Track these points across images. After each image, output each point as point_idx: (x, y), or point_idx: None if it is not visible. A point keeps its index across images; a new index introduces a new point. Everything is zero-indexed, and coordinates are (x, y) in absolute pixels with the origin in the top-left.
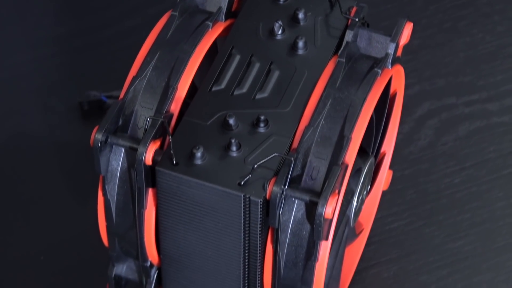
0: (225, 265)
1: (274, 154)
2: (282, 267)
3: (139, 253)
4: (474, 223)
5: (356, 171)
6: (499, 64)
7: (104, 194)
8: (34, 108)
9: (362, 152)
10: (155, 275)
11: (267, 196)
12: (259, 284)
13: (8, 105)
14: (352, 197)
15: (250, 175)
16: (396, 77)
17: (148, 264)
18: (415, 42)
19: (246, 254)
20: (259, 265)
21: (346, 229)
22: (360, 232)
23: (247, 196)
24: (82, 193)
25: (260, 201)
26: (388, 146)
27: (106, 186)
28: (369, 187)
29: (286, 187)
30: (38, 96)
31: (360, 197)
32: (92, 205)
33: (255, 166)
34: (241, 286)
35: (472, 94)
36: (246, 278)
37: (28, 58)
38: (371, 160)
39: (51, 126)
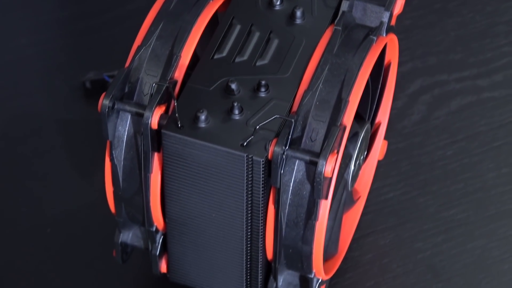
0: (228, 226)
1: (275, 116)
2: (283, 227)
3: (145, 218)
4: (466, 193)
5: (353, 136)
6: (488, 42)
7: (111, 160)
8: (39, 88)
9: (359, 118)
10: (161, 240)
11: (269, 156)
12: (261, 245)
13: (14, 85)
14: (349, 161)
15: (253, 137)
16: (390, 47)
17: (154, 229)
18: (407, 22)
19: (249, 215)
20: (261, 226)
21: (344, 193)
22: (357, 199)
23: (250, 156)
24: (86, 168)
25: (262, 161)
26: (383, 116)
27: (113, 152)
28: (365, 154)
29: (287, 147)
30: (42, 77)
31: (357, 162)
32: (96, 179)
33: (257, 127)
34: (244, 247)
35: (463, 70)
36: (248, 240)
37: (31, 41)
38: (367, 126)
39: (55, 105)
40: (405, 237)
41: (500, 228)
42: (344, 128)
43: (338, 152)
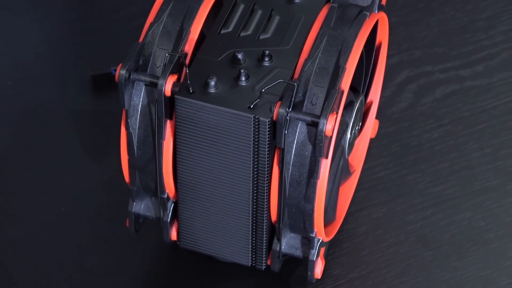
0: (236, 189)
1: (279, 81)
2: (287, 186)
3: (157, 185)
4: (453, 171)
5: (349, 105)
6: (469, 37)
7: (127, 128)
8: (50, 83)
9: (354, 91)
10: (171, 208)
11: (274, 117)
12: (266, 207)
13: (27, 81)
14: (346, 129)
15: (259, 100)
16: (381, 27)
17: (165, 195)
18: (393, 20)
19: (255, 176)
20: (266, 187)
21: (342, 160)
22: (353, 172)
23: (256, 117)
24: (96, 154)
25: (268, 121)
26: (375, 96)
27: (129, 120)
28: (360, 126)
29: (290, 109)
30: (53, 73)
31: (353, 132)
32: (106, 164)
33: (263, 91)
34: (250, 209)
35: (447, 62)
36: (254, 202)
37: (42, 41)
38: (362, 98)
39: (66, 98)
40: (396, 210)
41: (485, 201)
42: (342, 92)
43: (337, 113)
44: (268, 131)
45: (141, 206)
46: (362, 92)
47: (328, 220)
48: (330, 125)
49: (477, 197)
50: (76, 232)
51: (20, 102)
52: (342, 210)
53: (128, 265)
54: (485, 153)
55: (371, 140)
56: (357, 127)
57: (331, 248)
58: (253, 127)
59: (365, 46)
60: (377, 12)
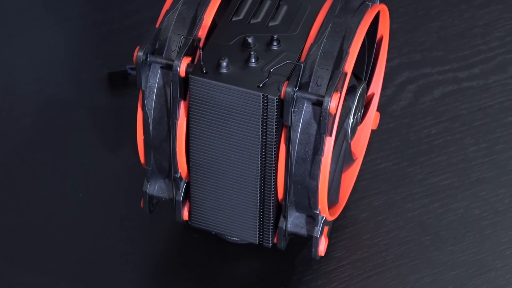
0: (245, 167)
1: (287, 62)
2: (293, 163)
3: (171, 164)
4: (450, 164)
5: (352, 89)
6: (466, 42)
7: (143, 108)
8: (68, 81)
9: (357, 78)
10: (184, 188)
11: (282, 96)
12: (273, 184)
13: (46, 79)
14: (349, 112)
15: (267, 79)
16: (382, 20)
17: (178, 175)
18: (394, 26)
19: (263, 154)
20: (273, 164)
21: (344, 144)
22: (355, 160)
23: (265, 95)
24: (112, 146)
25: (276, 99)
26: (376, 88)
27: (145, 101)
28: (362, 113)
29: (297, 89)
30: (71, 71)
31: (355, 117)
32: (121, 156)
33: (271, 70)
34: (258, 187)
35: (445, 65)
36: (262, 179)
37: (61, 42)
38: (364, 84)
39: (83, 94)
40: (396, 199)
41: (480, 192)
42: (345, 74)
43: (341, 92)
44: (276, 109)
45: (155, 188)
46: (364, 80)
47: (332, 202)
48: (334, 103)
49: (473, 187)
50: (92, 215)
51: (39, 98)
52: (345, 194)
53: (141, 244)
54: (481, 147)
55: (373, 134)
56: (359, 113)
57: (334, 232)
58: (262, 105)
59: (367, 37)
60: (379, 3)
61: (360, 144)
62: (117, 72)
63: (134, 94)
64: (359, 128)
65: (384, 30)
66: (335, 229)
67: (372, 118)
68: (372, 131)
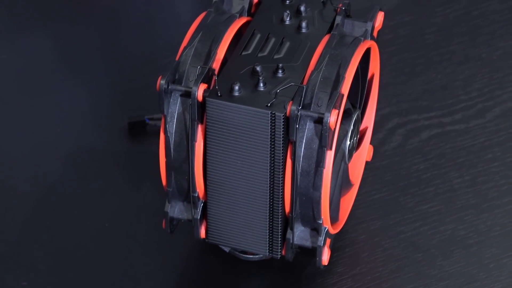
0: (255, 182)
1: (291, 84)
2: (298, 176)
3: (190, 184)
4: (437, 193)
5: (348, 114)
6: (449, 93)
7: (165, 132)
8: (91, 130)
9: (352, 107)
10: (201, 207)
11: (287, 113)
12: (281, 197)
13: (71, 127)
14: (346, 135)
15: (274, 100)
16: (373, 57)
17: (197, 194)
18: (383, 81)
19: (272, 169)
20: (281, 178)
21: (343, 165)
22: (352, 186)
23: (273, 112)
24: (133, 184)
25: (283, 116)
26: (369, 122)
27: (167, 125)
28: (357, 138)
29: (300, 107)
30: (94, 121)
31: (352, 141)
32: (141, 191)
33: (278, 91)
34: (267, 201)
35: (430, 112)
36: (271, 193)
37: (84, 97)
38: (358, 112)
39: (106, 142)
40: (390, 223)
41: (466, 216)
42: (342, 95)
43: (339, 109)
44: (283, 125)
45: (175, 210)
46: (359, 108)
47: (333, 218)
48: (333, 118)
49: (458, 213)
50: (117, 241)
51: (67, 145)
52: (344, 214)
53: (162, 264)
54: (465, 179)
55: (367, 171)
56: (355, 138)
57: (335, 251)
58: (270, 122)
59: (360, 71)
60: (369, 39)
61: (356, 171)
62: (137, 122)
63: (152, 141)
64: (355, 155)
65: (375, 68)
66: (336, 249)
67: (366, 149)
68: (366, 168)
